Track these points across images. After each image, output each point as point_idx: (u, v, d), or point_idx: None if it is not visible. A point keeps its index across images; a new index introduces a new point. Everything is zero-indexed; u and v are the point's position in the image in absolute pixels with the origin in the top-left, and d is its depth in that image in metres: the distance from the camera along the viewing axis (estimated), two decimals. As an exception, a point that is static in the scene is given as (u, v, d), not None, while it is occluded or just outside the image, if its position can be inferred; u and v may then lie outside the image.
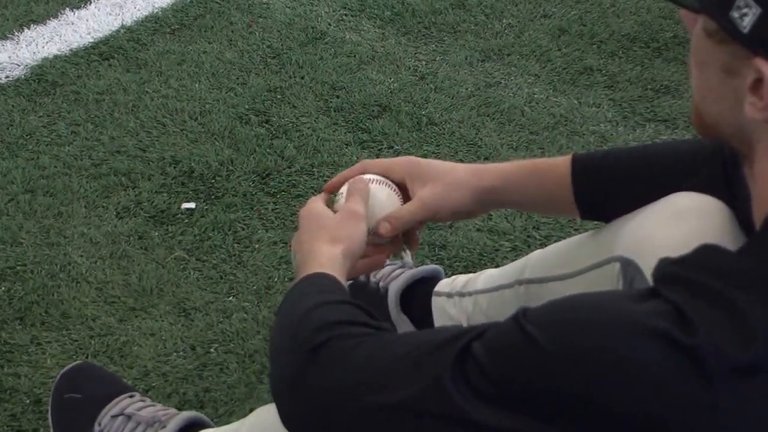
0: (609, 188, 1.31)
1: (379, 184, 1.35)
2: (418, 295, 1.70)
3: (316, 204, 1.31)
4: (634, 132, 2.38)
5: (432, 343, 0.95)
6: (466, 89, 2.53)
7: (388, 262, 1.75)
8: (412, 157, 1.37)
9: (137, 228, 2.07)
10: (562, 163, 1.32)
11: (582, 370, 0.84)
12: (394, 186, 1.36)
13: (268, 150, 2.29)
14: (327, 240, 1.23)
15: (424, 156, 2.23)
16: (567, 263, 1.40)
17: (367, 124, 2.38)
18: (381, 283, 1.72)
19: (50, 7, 2.82)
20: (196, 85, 2.53)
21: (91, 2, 2.84)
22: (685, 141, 1.31)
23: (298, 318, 1.08)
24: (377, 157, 2.24)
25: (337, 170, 2.22)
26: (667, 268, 0.91)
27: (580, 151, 2.27)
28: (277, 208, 2.12)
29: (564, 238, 1.61)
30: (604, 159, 1.33)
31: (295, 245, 1.28)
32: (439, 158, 2.20)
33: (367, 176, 1.36)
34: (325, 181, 2.18)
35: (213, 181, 2.20)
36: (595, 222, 1.85)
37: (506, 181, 1.34)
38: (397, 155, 2.20)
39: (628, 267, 1.21)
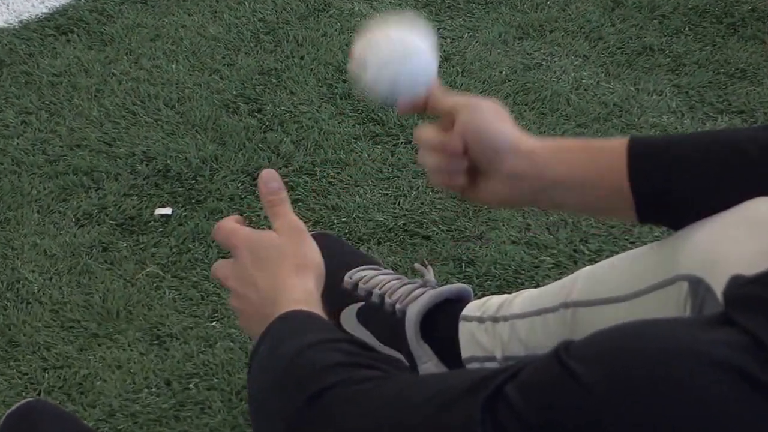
0: (674, 176, 1.30)
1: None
2: (442, 320, 1.70)
3: (243, 228, 1.31)
4: (703, 125, 2.38)
5: (457, 387, 0.95)
6: (500, 72, 2.54)
7: (406, 280, 1.76)
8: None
9: (101, 238, 2.08)
10: (617, 142, 1.32)
11: (633, 404, 0.84)
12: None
13: (260, 145, 2.30)
14: (293, 271, 1.24)
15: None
16: (623, 283, 1.40)
17: (380, 115, 2.39)
18: (398, 305, 1.73)
19: (-3, -29, 2.84)
20: (173, 66, 2.54)
21: (46, -35, 2.87)
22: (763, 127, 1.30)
23: (286, 363, 1.08)
24: (392, 155, 2.26)
25: (344, 169, 2.23)
26: (742, 289, 0.91)
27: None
28: (270, 215, 2.12)
29: (618, 253, 1.62)
30: (668, 141, 1.32)
31: (240, 283, 1.27)
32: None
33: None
34: (329, 183, 2.20)
35: (193, 181, 2.21)
36: (656, 234, 1.85)
37: (549, 149, 1.35)
38: (417, 152, 2.21)
39: (698, 287, 1.21)
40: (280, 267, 1.24)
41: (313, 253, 1.27)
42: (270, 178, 1.35)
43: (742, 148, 1.27)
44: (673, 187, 1.29)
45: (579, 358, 0.88)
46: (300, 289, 1.22)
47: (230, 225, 1.32)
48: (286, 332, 1.15)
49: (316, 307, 1.19)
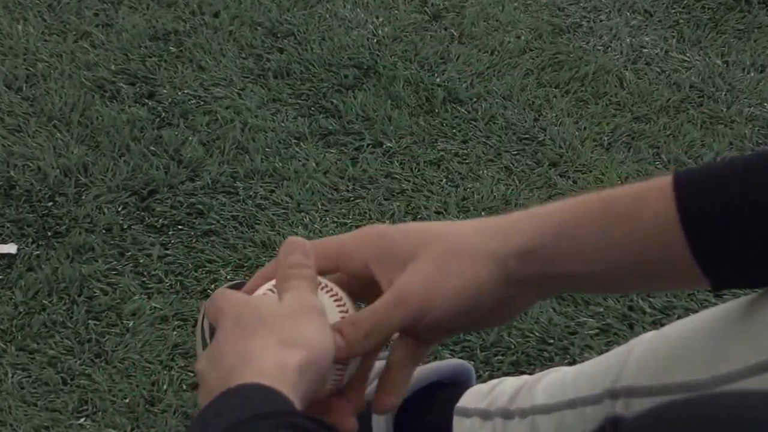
0: (749, 236, 1.31)
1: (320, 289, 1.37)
2: (429, 413, 1.71)
3: (241, 294, 1.33)
4: (826, 117, 2.42)
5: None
6: (517, 38, 2.56)
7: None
8: (377, 226, 1.37)
9: None
10: (655, 196, 1.30)
11: None
12: (341, 293, 1.38)
13: (151, 147, 2.31)
14: (273, 344, 1.24)
15: (438, 165, 2.25)
16: (701, 361, 1.40)
17: (336, 102, 2.40)
18: (362, 392, 1.74)
19: None
20: (19, 27, 2.55)
21: None
22: None
23: None
24: (353, 163, 2.26)
25: (281, 185, 2.23)
26: None
27: (726, 152, 2.29)
28: (168, 255, 2.13)
29: (694, 312, 1.63)
30: (738, 181, 1.33)
31: (210, 354, 1.29)
32: (468, 165, 2.23)
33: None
34: (258, 206, 2.21)
35: (50, 203, 2.21)
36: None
37: (555, 233, 1.32)
38: (391, 158, 2.22)
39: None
40: (257, 337, 1.25)
41: (314, 332, 1.27)
42: (294, 248, 1.36)
43: None
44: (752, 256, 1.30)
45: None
46: (272, 361, 1.22)
47: (227, 290, 1.34)
48: (222, 410, 1.15)
49: (287, 388, 1.19)
